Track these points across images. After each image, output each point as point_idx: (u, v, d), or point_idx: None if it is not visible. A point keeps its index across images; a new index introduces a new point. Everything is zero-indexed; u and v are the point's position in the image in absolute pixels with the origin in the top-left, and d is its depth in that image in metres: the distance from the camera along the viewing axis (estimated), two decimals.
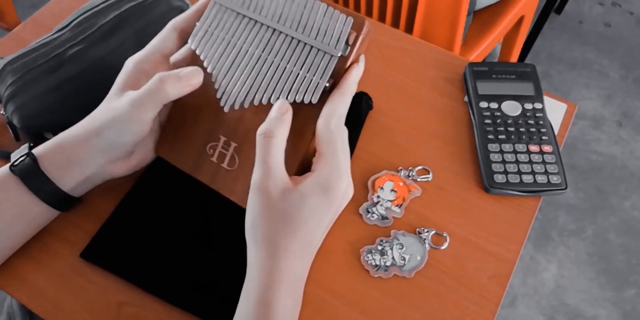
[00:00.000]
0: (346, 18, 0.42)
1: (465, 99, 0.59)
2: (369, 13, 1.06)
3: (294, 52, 0.43)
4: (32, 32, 0.63)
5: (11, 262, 0.49)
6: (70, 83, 0.50)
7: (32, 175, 0.44)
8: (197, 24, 0.45)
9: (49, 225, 0.50)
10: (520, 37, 1.25)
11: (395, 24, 1.03)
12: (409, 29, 1.01)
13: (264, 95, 0.43)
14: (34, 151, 0.45)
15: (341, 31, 0.42)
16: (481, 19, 1.12)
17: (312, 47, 0.42)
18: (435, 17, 0.96)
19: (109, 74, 0.52)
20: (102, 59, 0.52)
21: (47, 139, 0.52)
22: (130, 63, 0.46)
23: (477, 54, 1.08)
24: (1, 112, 0.51)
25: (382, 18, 1.05)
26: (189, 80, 0.43)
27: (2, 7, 1.64)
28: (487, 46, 1.10)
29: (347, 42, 0.42)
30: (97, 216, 0.51)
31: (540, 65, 1.68)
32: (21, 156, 0.45)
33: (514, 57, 1.31)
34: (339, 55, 0.42)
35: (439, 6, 0.94)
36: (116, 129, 0.44)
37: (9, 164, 0.45)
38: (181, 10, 0.55)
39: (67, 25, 0.53)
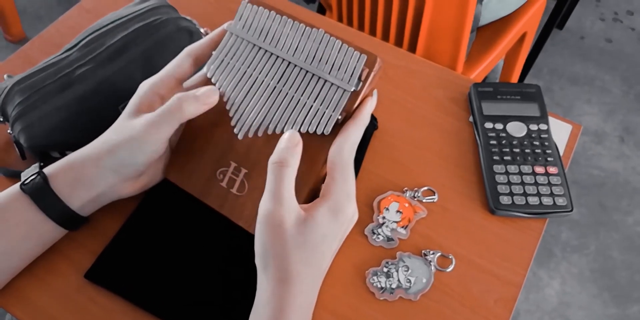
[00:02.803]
0: (360, 55, 0.43)
1: (470, 119, 0.59)
2: (373, 32, 1.07)
3: (308, 84, 0.44)
4: (39, 50, 0.64)
5: (14, 282, 0.49)
6: (78, 103, 0.51)
7: (42, 194, 0.44)
8: (214, 53, 0.46)
9: (54, 243, 0.50)
10: (522, 53, 1.25)
11: (399, 42, 1.04)
12: (413, 46, 1.02)
13: (278, 125, 0.45)
14: (45, 170, 0.45)
15: (354, 67, 0.43)
16: (484, 36, 1.12)
17: (325, 81, 0.44)
18: (438, 35, 0.96)
19: (115, 94, 0.52)
20: (110, 79, 0.52)
21: (54, 158, 0.53)
22: (145, 86, 0.46)
23: (480, 70, 1.08)
24: (8, 131, 0.52)
25: (385, 36, 1.05)
26: (206, 99, 0.44)
27: (8, 19, 1.65)
28: (490, 62, 1.10)
29: (359, 78, 0.43)
30: (103, 236, 0.51)
31: (542, 81, 1.69)
32: (32, 175, 0.45)
33: (517, 73, 1.32)
34: (352, 90, 0.43)
35: (442, 24, 0.94)
36: (130, 149, 0.44)
37: (19, 183, 0.45)
38: (189, 30, 0.55)
39: (75, 45, 0.53)
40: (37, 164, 0.52)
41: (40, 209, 0.45)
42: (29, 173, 0.51)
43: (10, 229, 0.45)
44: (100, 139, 0.46)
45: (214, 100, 0.45)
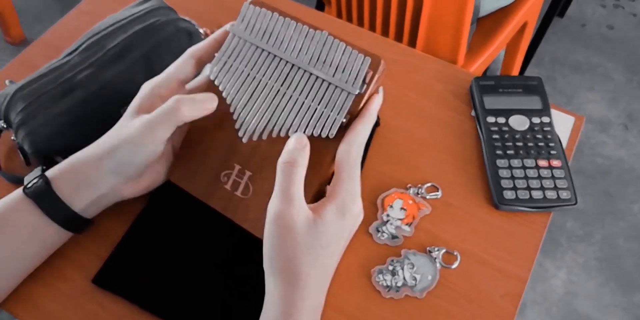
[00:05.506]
0: (364, 58, 0.43)
1: (473, 113, 0.59)
2: (372, 27, 1.06)
3: (312, 87, 0.44)
4: (40, 54, 0.64)
5: (22, 287, 0.49)
6: (80, 107, 0.51)
7: (45, 197, 0.45)
8: (216, 55, 0.46)
9: (60, 248, 0.50)
10: (523, 42, 1.24)
11: (399, 36, 1.03)
12: (413, 40, 1.01)
13: (283, 128, 0.44)
14: (47, 173, 0.46)
15: (359, 70, 0.43)
16: (484, 27, 1.12)
17: (330, 83, 0.44)
18: (438, 27, 0.96)
19: (117, 97, 0.52)
20: (111, 83, 0.52)
21: (57, 163, 0.53)
22: (146, 87, 0.46)
23: (481, 62, 1.08)
24: (12, 137, 0.52)
25: (385, 31, 1.05)
26: (204, 104, 0.44)
27: (7, 21, 1.65)
28: (491, 53, 1.10)
29: (363, 81, 0.43)
30: (109, 240, 0.51)
31: (544, 69, 1.68)
32: (34, 178, 0.46)
33: (518, 62, 1.31)
34: (357, 92, 0.43)
35: (442, 16, 0.94)
36: (128, 150, 0.44)
37: (22, 187, 0.46)
38: (188, 31, 0.55)
39: (75, 50, 0.53)
40: (39, 168, 0.52)
41: (44, 212, 0.45)
42: (31, 177, 0.52)
43: (14, 232, 0.45)
44: (100, 140, 0.46)
45: (211, 106, 0.45)
